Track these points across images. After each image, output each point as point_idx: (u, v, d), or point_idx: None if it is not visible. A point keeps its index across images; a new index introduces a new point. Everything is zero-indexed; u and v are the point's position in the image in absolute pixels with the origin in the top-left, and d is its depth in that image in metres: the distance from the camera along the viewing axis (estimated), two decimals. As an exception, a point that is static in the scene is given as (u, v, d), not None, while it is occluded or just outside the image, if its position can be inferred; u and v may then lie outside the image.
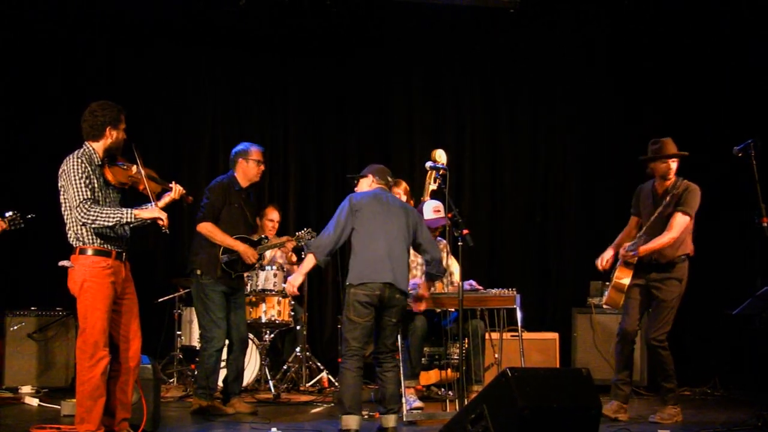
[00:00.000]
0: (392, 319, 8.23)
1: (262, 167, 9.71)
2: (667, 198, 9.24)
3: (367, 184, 8.60)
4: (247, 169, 9.60)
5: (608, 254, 9.49)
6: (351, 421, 7.89)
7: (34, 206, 10.82)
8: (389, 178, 8.65)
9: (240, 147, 9.72)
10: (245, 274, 10.01)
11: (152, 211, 7.53)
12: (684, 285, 9.23)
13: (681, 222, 9.08)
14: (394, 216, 8.28)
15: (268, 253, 11.37)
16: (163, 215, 7.55)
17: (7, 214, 8.99)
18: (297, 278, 8.38)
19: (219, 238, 9.39)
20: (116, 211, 7.37)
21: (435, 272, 8.52)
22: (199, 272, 9.45)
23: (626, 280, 9.31)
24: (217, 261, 9.38)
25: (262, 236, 9.93)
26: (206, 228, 9.42)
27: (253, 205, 9.91)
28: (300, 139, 13.12)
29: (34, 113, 11.88)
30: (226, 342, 9.64)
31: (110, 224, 7.35)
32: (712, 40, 12.14)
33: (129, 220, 7.40)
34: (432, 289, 9.29)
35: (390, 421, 8.09)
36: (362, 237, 8.15)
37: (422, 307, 8.79)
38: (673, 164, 9.30)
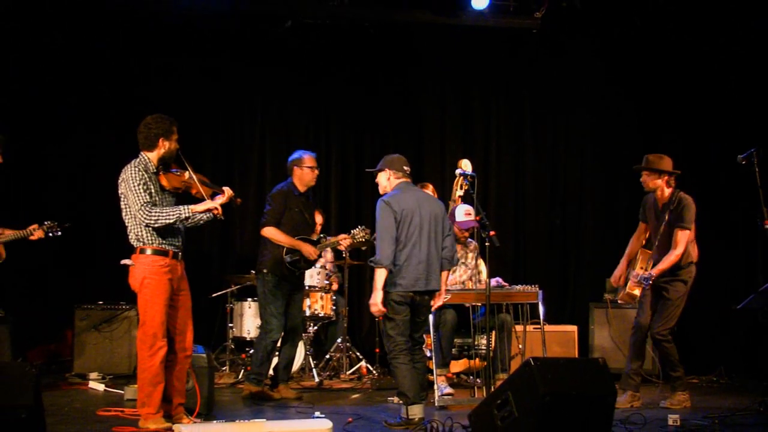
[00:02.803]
0: (421, 317, 8.27)
1: (316, 171, 9.75)
2: (667, 214, 9.27)
3: (385, 178, 8.41)
4: (302, 175, 9.65)
5: (620, 272, 9.56)
6: (417, 409, 7.88)
7: (95, 211, 10.90)
8: (405, 168, 8.39)
9: (294, 155, 9.78)
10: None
11: (205, 204, 7.61)
12: (689, 286, 9.24)
13: (682, 238, 9.09)
14: (427, 213, 8.17)
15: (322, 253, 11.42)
16: (216, 204, 7.62)
17: (45, 223, 9.06)
18: (377, 296, 8.00)
19: (282, 240, 9.46)
20: (174, 210, 7.47)
21: (448, 263, 8.37)
22: (265, 271, 9.51)
23: (637, 291, 9.41)
24: (281, 261, 9.44)
25: (320, 235, 9.97)
26: (269, 232, 9.50)
27: (312, 207, 9.95)
28: (341, 149, 13.12)
29: (97, 127, 11.97)
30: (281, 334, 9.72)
31: (171, 221, 7.43)
32: (718, 53, 12.07)
33: (187, 215, 7.50)
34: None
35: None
36: (401, 248, 8.05)
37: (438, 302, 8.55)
38: (649, 178, 9.35)
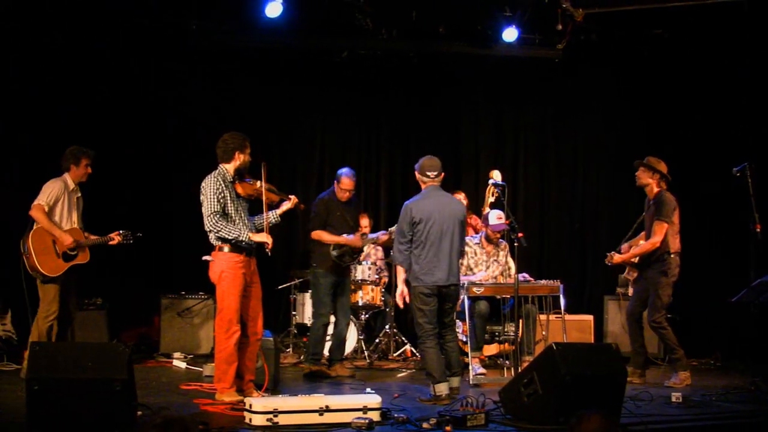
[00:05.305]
0: (449, 304, 8.26)
1: (347, 194, 9.78)
2: (650, 207, 9.42)
3: (420, 182, 8.42)
4: (338, 190, 9.75)
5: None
6: (442, 387, 7.92)
7: (181, 214, 10.98)
8: (429, 173, 8.31)
9: (339, 171, 9.87)
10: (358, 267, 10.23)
11: (261, 236, 7.73)
12: (671, 276, 9.25)
13: (659, 229, 9.17)
14: (447, 215, 8.16)
15: (365, 249, 11.45)
16: (269, 240, 7.71)
17: (121, 232, 9.11)
18: (399, 290, 8.29)
19: (327, 239, 9.59)
20: (236, 230, 7.60)
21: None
22: (315, 265, 9.70)
23: (633, 274, 9.81)
24: (328, 257, 9.56)
25: (363, 234, 10.03)
26: (316, 234, 9.68)
27: (353, 211, 10.02)
28: (389, 161, 13.17)
29: (180, 145, 11.98)
30: (333, 319, 9.86)
31: (228, 238, 7.57)
32: (718, 79, 12.01)
33: (243, 239, 7.61)
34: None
35: (455, 381, 8.12)
36: (421, 244, 8.08)
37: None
38: (643, 174, 9.50)
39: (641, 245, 9.39)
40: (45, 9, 10.55)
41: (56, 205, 8.77)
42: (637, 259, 9.49)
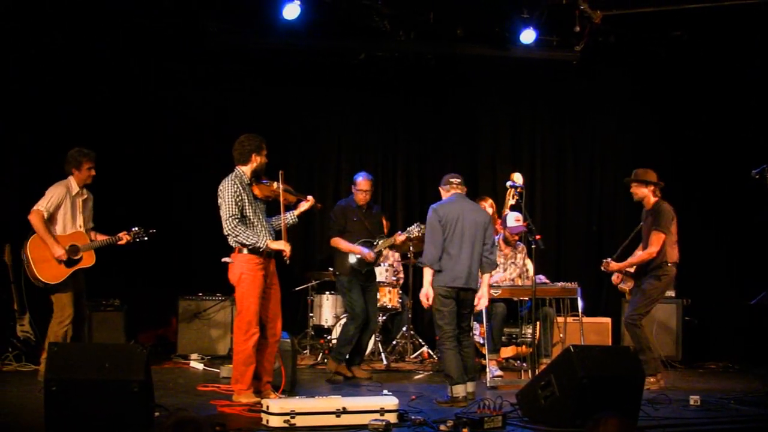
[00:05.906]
0: (466, 308, 8.24)
1: (368, 195, 9.80)
2: (648, 219, 9.37)
3: (444, 191, 8.46)
4: (356, 194, 9.79)
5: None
6: (460, 389, 7.92)
7: (184, 215, 10.98)
8: (452, 180, 8.39)
9: (354, 177, 9.92)
10: (375, 269, 10.21)
11: (280, 244, 7.75)
12: (665, 283, 9.26)
13: (656, 240, 9.13)
14: (470, 221, 8.15)
15: (383, 252, 11.44)
16: (288, 248, 7.73)
17: (133, 229, 8.99)
18: (425, 290, 8.09)
19: (343, 247, 9.64)
20: (254, 236, 7.61)
21: (488, 266, 8.29)
22: (338, 273, 9.72)
23: (623, 284, 9.80)
24: (348, 263, 9.58)
25: (377, 240, 10.00)
26: (334, 242, 9.73)
27: (375, 216, 10.00)
28: (407, 162, 13.19)
29: (182, 146, 12.05)
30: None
31: (246, 244, 7.58)
32: (734, 80, 11.96)
33: (261, 247, 7.63)
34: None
35: (470, 386, 8.10)
36: (446, 249, 8.08)
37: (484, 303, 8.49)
38: (637, 189, 9.49)
39: (638, 255, 9.35)
40: (45, 9, 10.52)
41: (57, 211, 8.64)
42: (634, 268, 9.46)
